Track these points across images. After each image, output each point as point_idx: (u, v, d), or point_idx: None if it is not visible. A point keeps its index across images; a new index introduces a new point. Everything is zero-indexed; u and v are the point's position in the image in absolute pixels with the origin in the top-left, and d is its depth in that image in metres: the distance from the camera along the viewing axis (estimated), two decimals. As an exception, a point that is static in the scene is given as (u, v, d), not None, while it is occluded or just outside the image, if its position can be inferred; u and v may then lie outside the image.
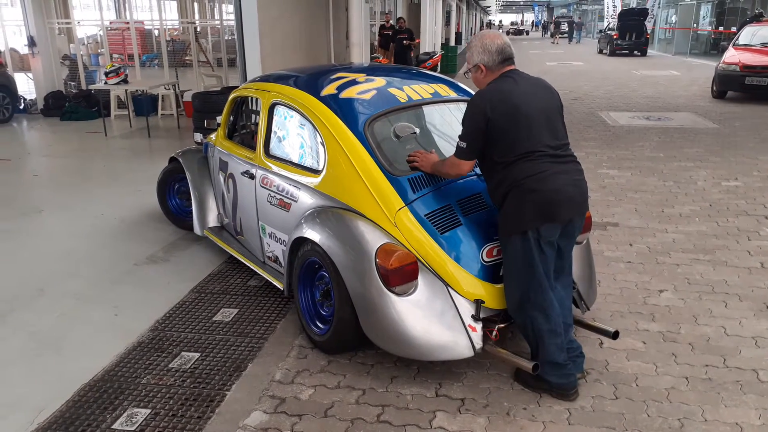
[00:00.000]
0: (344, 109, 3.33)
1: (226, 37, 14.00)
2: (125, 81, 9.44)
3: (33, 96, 11.45)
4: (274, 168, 3.67)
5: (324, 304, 3.30)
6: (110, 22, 18.28)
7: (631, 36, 26.76)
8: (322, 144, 3.30)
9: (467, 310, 2.86)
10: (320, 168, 3.32)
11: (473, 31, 50.02)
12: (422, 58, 17.65)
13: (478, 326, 2.83)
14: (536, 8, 78.96)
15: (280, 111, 3.73)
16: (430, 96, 3.53)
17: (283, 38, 7.87)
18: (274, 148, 3.76)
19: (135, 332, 3.44)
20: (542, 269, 2.71)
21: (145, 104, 10.18)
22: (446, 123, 3.53)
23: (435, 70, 18.67)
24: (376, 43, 15.47)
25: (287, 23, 8.07)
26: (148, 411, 2.75)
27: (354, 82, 3.54)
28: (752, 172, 6.81)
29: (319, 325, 3.28)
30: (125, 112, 10.44)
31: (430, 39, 22.01)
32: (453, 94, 3.65)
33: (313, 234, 3.12)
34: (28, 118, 10.82)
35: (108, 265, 4.43)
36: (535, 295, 2.72)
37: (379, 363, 3.11)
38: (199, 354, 3.21)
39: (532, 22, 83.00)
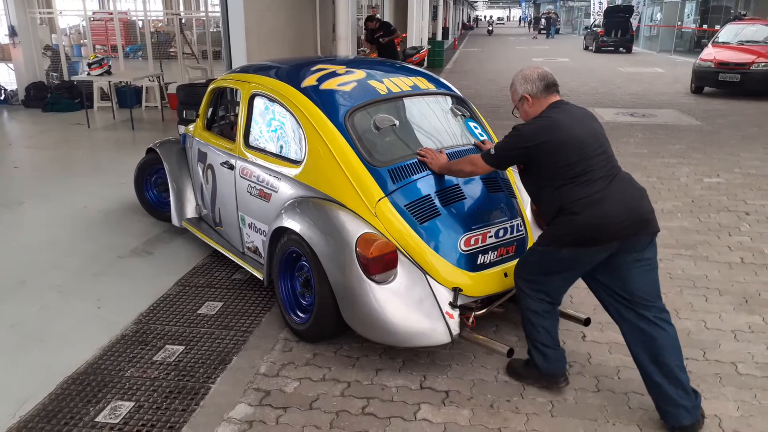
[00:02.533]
0: (325, 100, 3.35)
1: (211, 29, 13.89)
2: (108, 72, 9.33)
3: (14, 87, 11.28)
4: (254, 159, 3.67)
5: (304, 294, 3.32)
6: (93, 13, 18.06)
7: (616, 33, 26.95)
8: (303, 135, 3.32)
9: (445, 297, 2.91)
10: (301, 159, 3.35)
11: (460, 27, 50.15)
12: (409, 52, 17.63)
13: (456, 313, 2.89)
14: (523, 4, 79.17)
15: (260, 102, 3.73)
16: (410, 89, 3.57)
17: (269, 31, 7.82)
18: (254, 138, 3.75)
19: (118, 325, 3.42)
20: (558, 282, 2.72)
21: (129, 96, 10.07)
22: (425, 115, 3.58)
23: (422, 65, 18.69)
24: (362, 36, 15.41)
25: (273, 16, 8.02)
26: (132, 404, 2.73)
27: (334, 74, 3.56)
28: (734, 168, 6.91)
29: (299, 314, 3.31)
30: (108, 104, 10.33)
31: (417, 34, 21.99)
32: (432, 87, 3.71)
33: (293, 224, 3.15)
34: (9, 109, 10.66)
35: (91, 257, 4.39)
36: (539, 291, 2.72)
37: (364, 356, 3.12)
38: (183, 347, 3.20)
39: (519, 18, 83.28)
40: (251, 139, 3.76)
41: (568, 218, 2.54)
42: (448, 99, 3.76)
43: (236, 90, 4.04)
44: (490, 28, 49.65)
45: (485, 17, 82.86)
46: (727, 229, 4.98)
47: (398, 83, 3.57)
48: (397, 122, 3.39)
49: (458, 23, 48.48)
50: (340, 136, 3.18)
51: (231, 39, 7.06)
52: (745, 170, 6.83)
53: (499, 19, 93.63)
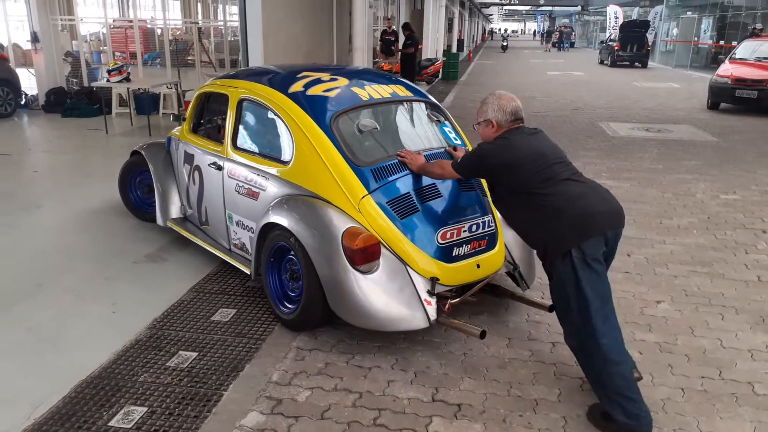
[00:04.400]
0: (311, 105, 3.58)
1: (229, 38, 14.03)
2: (127, 79, 9.45)
3: (35, 92, 11.45)
4: (243, 160, 3.86)
5: (291, 286, 3.53)
6: (113, 20, 18.32)
7: (632, 47, 26.88)
8: (291, 137, 3.54)
9: (423, 286, 3.17)
10: (288, 159, 3.55)
11: (475, 39, 50.22)
12: (424, 64, 17.71)
13: (433, 300, 3.15)
14: (538, 17, 79.26)
15: (248, 106, 3.94)
16: (390, 95, 3.84)
17: (286, 41, 7.89)
18: (242, 141, 3.95)
19: (133, 330, 3.44)
20: (590, 290, 2.61)
21: (146, 103, 10.18)
22: (404, 120, 3.95)
23: (437, 77, 18.76)
24: (377, 48, 15.51)
25: (291, 26, 8.10)
26: (145, 409, 2.75)
27: (319, 81, 3.79)
28: (750, 185, 6.85)
29: (287, 305, 3.52)
30: (126, 110, 10.45)
31: (432, 45, 22.09)
32: (409, 95, 4.00)
33: (282, 219, 3.36)
34: (30, 114, 10.82)
35: (106, 262, 4.43)
36: (592, 323, 2.61)
37: (376, 366, 3.11)
38: (196, 353, 3.21)
39: (534, 31, 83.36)
40: (239, 141, 3.95)
41: (559, 219, 2.65)
42: (425, 105, 4.03)
43: (224, 95, 4.17)
44: (504, 44, 41.58)
45: (500, 30, 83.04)
46: (744, 247, 4.93)
47: (379, 90, 3.82)
48: (378, 126, 3.63)
49: (473, 35, 48.58)
50: (326, 138, 3.40)
51: (249, 48, 7.13)
52: (762, 187, 6.76)
53: (513, 31, 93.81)
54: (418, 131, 3.90)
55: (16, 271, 4.28)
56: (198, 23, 15.23)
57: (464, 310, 3.67)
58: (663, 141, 9.56)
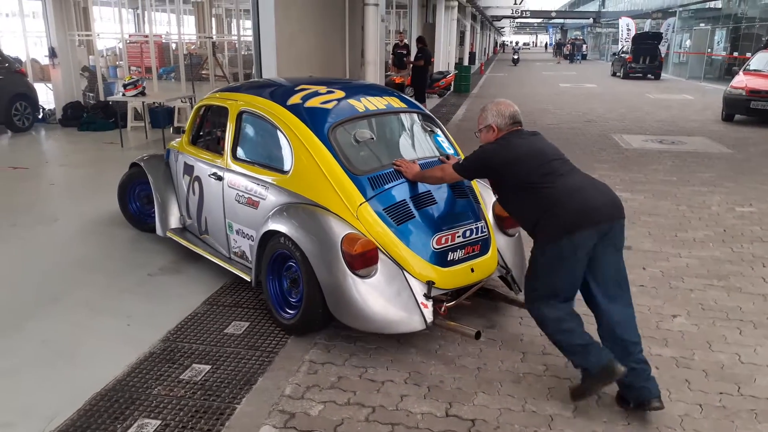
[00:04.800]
0: (310, 116, 3.70)
1: (243, 52, 14.18)
2: (143, 93, 9.56)
3: (52, 106, 11.62)
4: (242, 170, 3.97)
5: (292, 292, 3.63)
6: (129, 35, 18.58)
7: (645, 59, 26.80)
8: (290, 147, 3.65)
9: (420, 290, 3.29)
10: (288, 168, 3.67)
11: (487, 52, 50.33)
12: (435, 77, 17.77)
13: (429, 303, 3.26)
14: (550, 30, 79.38)
15: (248, 118, 4.06)
16: (384, 107, 3.97)
17: (299, 55, 7.96)
18: (242, 151, 4.06)
19: (147, 343, 3.46)
20: (568, 279, 2.84)
21: (161, 116, 10.30)
22: (399, 130, 4.15)
23: (448, 90, 18.80)
24: (389, 61, 15.60)
25: (304, 40, 8.17)
26: (159, 422, 2.75)
27: (317, 93, 3.91)
28: (767, 197, 6.77)
29: (288, 311, 3.61)
30: (141, 124, 10.57)
31: (444, 58, 22.18)
32: (404, 106, 4.14)
33: (282, 227, 3.46)
34: (47, 128, 10.98)
35: (121, 274, 4.46)
36: (552, 300, 2.87)
37: (389, 380, 3.10)
38: (210, 366, 3.22)
39: (546, 44, 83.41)
40: (239, 152, 4.06)
41: (555, 211, 2.80)
42: (419, 116, 4.19)
43: (224, 107, 4.27)
44: (516, 57, 40.55)
45: (511, 42, 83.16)
46: (761, 260, 4.87)
47: (374, 102, 3.95)
48: (374, 136, 3.81)
49: (485, 48, 48.69)
50: (324, 148, 3.52)
51: (262, 61, 7.20)
52: (779, 200, 6.69)
53: (525, 44, 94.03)
54: (412, 141, 4.09)
55: (33, 283, 4.33)
56: (212, 38, 15.40)
57: (480, 323, 3.66)
58: (677, 153, 9.50)
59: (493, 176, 3.10)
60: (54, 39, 11.05)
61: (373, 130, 3.86)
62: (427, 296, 3.27)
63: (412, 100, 4.41)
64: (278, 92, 4.10)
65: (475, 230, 3.57)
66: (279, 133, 3.75)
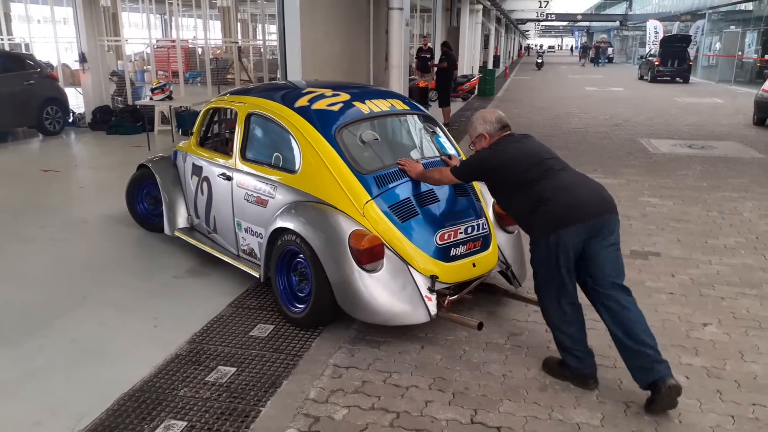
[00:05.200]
0: (317, 118, 3.83)
1: (267, 57, 14.31)
2: (170, 97, 9.70)
3: (82, 110, 11.85)
4: (251, 170, 4.09)
5: (300, 287, 3.75)
6: (157, 41, 18.88)
7: (673, 62, 26.39)
8: (298, 148, 3.78)
9: (424, 284, 3.42)
10: (296, 168, 3.79)
11: (511, 55, 50.07)
12: (459, 80, 17.70)
13: (433, 297, 3.40)
14: (576, 33, 78.68)
15: (256, 120, 4.19)
16: (388, 109, 4.11)
17: (324, 59, 8.00)
18: (251, 152, 4.19)
19: (173, 344, 3.49)
20: (564, 272, 2.96)
21: (188, 120, 10.42)
22: (402, 131, 4.29)
23: (472, 93, 18.73)
24: (413, 65, 15.59)
25: (329, 45, 8.20)
26: (185, 423, 2.77)
27: (323, 96, 4.04)
28: (801, 204, 6.60)
29: (297, 305, 3.73)
30: (168, 128, 10.72)
31: (468, 62, 22.11)
32: (406, 108, 4.29)
33: (291, 224, 3.59)
34: (77, 131, 11.20)
35: (149, 276, 4.52)
36: (554, 293, 3.03)
37: (413, 386, 3.08)
38: (235, 368, 3.24)
39: (572, 47, 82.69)
40: (248, 152, 4.18)
41: (545, 208, 2.95)
42: (421, 118, 4.33)
43: (232, 110, 4.41)
44: (539, 61, 39.06)
45: (535, 46, 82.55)
46: (796, 268, 4.74)
47: (378, 104, 4.08)
48: (379, 137, 3.94)
49: (509, 51, 48.42)
50: (331, 148, 3.65)
51: (288, 66, 7.24)
52: (813, 206, 6.51)
53: (550, 47, 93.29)
54: (415, 141, 4.23)
55: (62, 283, 4.41)
56: (238, 43, 15.57)
57: (510, 330, 3.62)
58: (707, 158, 9.32)
59: (489, 179, 3.30)
60: (84, 44, 11.28)
61: (379, 131, 4.01)
62: (431, 290, 3.41)
63: (414, 102, 4.54)
64: (286, 95, 4.24)
65: (476, 227, 3.70)
66: (287, 134, 3.87)
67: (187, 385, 3.09)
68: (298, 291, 3.78)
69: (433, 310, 3.38)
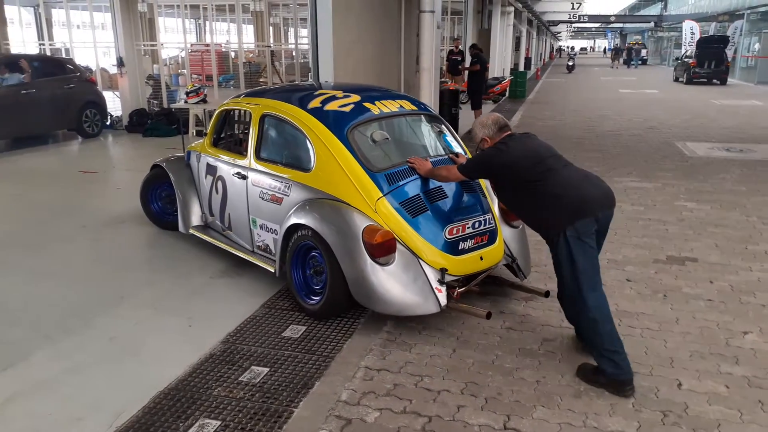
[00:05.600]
0: (330, 118, 3.98)
1: (300, 60, 14.43)
2: (204, 101, 9.87)
3: (119, 113, 12.13)
4: (266, 169, 4.23)
5: (314, 280, 3.91)
6: (191, 45, 19.20)
7: (710, 64, 25.75)
8: (312, 147, 3.92)
9: (434, 276, 3.56)
10: (310, 167, 3.92)
11: (543, 57, 49.56)
12: (490, 83, 17.58)
13: (443, 288, 3.54)
14: (609, 34, 77.49)
15: (270, 121, 4.35)
16: (397, 110, 4.26)
17: (355, 63, 8.03)
18: (265, 152, 4.35)
19: (207, 344, 3.54)
20: (581, 260, 3.06)
21: (221, 123, 10.57)
22: (411, 131, 4.44)
23: (503, 96, 18.59)
24: (443, 68, 15.55)
25: (360, 48, 8.23)
26: (219, 423, 2.81)
27: (334, 98, 4.19)
28: None
29: (312, 297, 3.89)
30: (203, 130, 10.88)
31: (500, 64, 21.95)
32: (414, 109, 4.43)
33: (307, 220, 3.74)
34: (114, 134, 11.47)
35: (185, 277, 4.60)
36: (580, 286, 3.08)
37: (445, 390, 3.07)
38: (268, 369, 3.27)
39: (605, 48, 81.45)
40: (262, 152, 4.33)
41: (558, 203, 3.06)
42: (428, 118, 4.49)
43: (246, 111, 4.62)
44: (570, 63, 37.12)
45: (567, 47, 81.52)
46: (841, 276, 4.58)
47: (388, 105, 4.22)
48: (389, 136, 4.11)
49: (541, 53, 47.92)
50: (344, 147, 3.80)
51: (319, 70, 7.30)
52: None
53: (582, 49, 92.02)
54: (423, 140, 4.38)
55: (101, 282, 4.52)
56: (270, 46, 15.74)
57: (544, 335, 3.59)
58: (746, 161, 9.08)
59: (494, 177, 3.40)
60: (122, 49, 11.55)
61: (389, 131, 4.18)
62: (440, 282, 3.55)
63: (423, 102, 4.68)
64: (299, 97, 4.38)
65: (483, 222, 3.84)
66: (301, 134, 4.02)
67: (221, 384, 3.13)
68: (313, 284, 3.92)
69: (443, 301, 3.51)
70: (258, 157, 4.32)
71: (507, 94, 18.90)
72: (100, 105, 11.17)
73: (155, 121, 11.22)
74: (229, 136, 5.18)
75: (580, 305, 3.12)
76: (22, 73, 9.89)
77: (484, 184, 4.06)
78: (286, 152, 4.27)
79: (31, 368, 3.33)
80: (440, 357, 3.39)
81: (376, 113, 4.11)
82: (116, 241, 5.44)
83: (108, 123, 11.72)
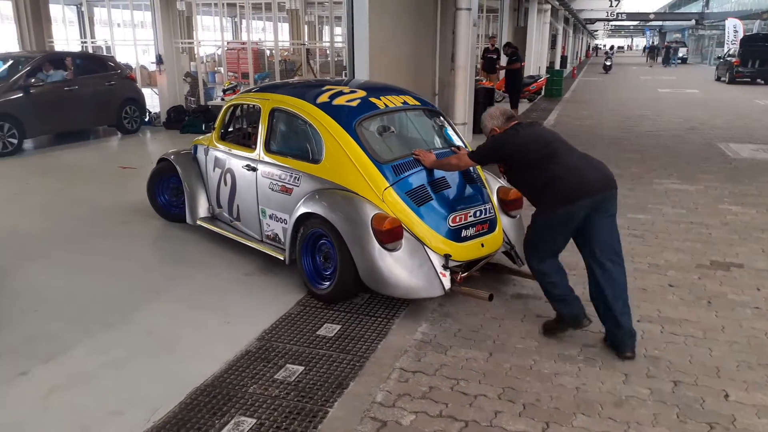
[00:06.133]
0: (338, 112, 4.15)
1: (335, 58, 14.47)
2: (240, 98, 9.94)
3: (157, 110, 12.34)
4: (276, 161, 4.40)
5: (325, 266, 4.09)
6: (227, 43, 19.44)
7: (754, 63, 24.93)
8: (321, 140, 4.10)
9: (438, 262, 3.77)
10: (319, 159, 4.10)
11: (579, 55, 48.75)
12: (526, 81, 17.33)
13: (447, 273, 3.75)
14: (648, 33, 75.83)
15: (280, 115, 4.53)
16: (401, 105, 4.44)
17: (390, 61, 7.99)
18: (275, 144, 4.52)
19: (243, 340, 3.56)
20: (560, 240, 3.43)
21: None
22: (415, 125, 4.66)
23: (539, 94, 18.34)
24: (478, 66, 15.40)
25: (396, 47, 8.20)
26: (254, 421, 2.81)
27: (341, 93, 4.35)
28: None
29: (322, 282, 4.08)
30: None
31: (535, 62, 21.67)
32: (418, 104, 4.61)
33: (318, 209, 3.92)
34: (152, 130, 11.67)
35: (220, 272, 4.64)
36: (547, 253, 3.47)
37: (482, 395, 3.01)
38: (303, 367, 3.26)
39: (644, 47, 79.71)
40: (272, 145, 4.50)
41: (559, 184, 3.29)
42: (431, 113, 4.70)
43: (255, 106, 4.76)
44: (608, 63, 34.84)
45: (604, 46, 79.96)
46: None
47: (393, 100, 4.39)
48: (394, 129, 4.39)
49: (577, 52, 47.15)
50: (352, 140, 3.98)
51: (355, 68, 7.29)
52: None
53: (619, 47, 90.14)
54: (426, 134, 4.60)
55: (140, 277, 4.59)
56: (306, 44, 15.82)
57: (584, 341, 3.51)
58: (794, 164, 8.76)
59: (503, 160, 3.60)
60: (161, 46, 11.74)
61: (394, 124, 4.45)
62: (445, 267, 3.75)
63: (424, 98, 4.84)
64: (307, 92, 4.54)
65: (484, 211, 4.07)
66: (311, 128, 4.20)
67: (256, 382, 3.13)
68: (322, 269, 4.10)
69: (447, 285, 3.72)
70: (267, 149, 4.47)
71: (543, 92, 18.63)
72: (139, 102, 11.38)
73: (192, 117, 11.37)
74: (237, 130, 5.32)
75: (529, 265, 3.57)
76: (65, 70, 10.14)
77: (484, 175, 4.35)
78: (296, 145, 4.44)
79: (72, 361, 3.39)
80: (476, 360, 3.33)
81: (381, 108, 4.29)
82: (155, 237, 5.53)
83: (146, 119, 11.93)
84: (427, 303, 4.00)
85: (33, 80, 9.44)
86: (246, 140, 5.03)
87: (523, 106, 15.94)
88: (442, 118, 4.69)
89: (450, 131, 4.60)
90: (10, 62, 9.97)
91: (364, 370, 3.24)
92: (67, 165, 8.84)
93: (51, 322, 3.86)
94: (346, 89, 4.44)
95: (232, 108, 5.13)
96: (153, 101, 13.21)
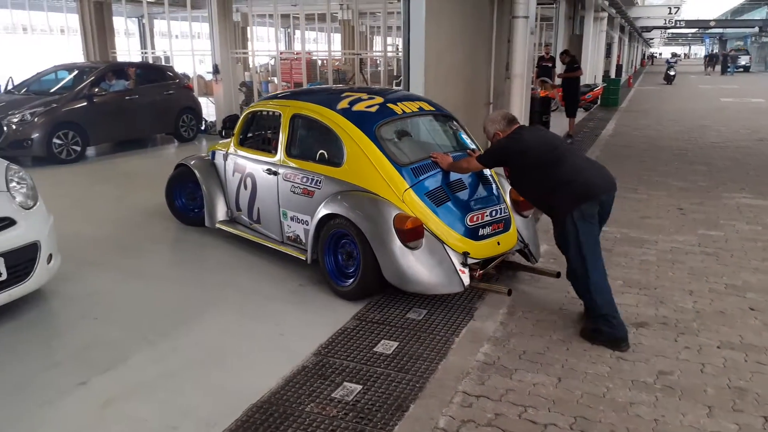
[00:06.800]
0: (358, 118, 4.33)
1: (386, 68, 14.44)
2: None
3: (213, 118, 12.55)
4: (297, 165, 4.56)
5: (347, 265, 4.24)
6: (281, 53, 19.71)
7: (825, 71, 23.66)
8: (342, 144, 4.26)
9: (457, 259, 3.95)
10: (341, 162, 4.26)
11: (634, 64, 47.47)
12: (582, 90, 16.87)
13: (466, 270, 3.93)
14: (707, 40, 73.29)
15: (301, 121, 4.69)
16: (417, 110, 4.65)
17: (446, 70, 7.86)
18: (296, 149, 4.68)
19: (299, 354, 3.46)
20: (585, 238, 3.50)
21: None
22: (431, 129, 4.90)
23: (595, 103, 17.83)
24: (533, 74, 15.07)
25: (451, 56, 8.06)
26: (312, 441, 2.70)
27: (360, 99, 4.54)
28: None
29: (344, 280, 4.23)
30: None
31: (591, 71, 21.14)
32: (433, 110, 4.80)
33: (341, 210, 4.09)
34: (208, 138, 11.85)
35: (275, 283, 4.57)
36: (585, 263, 3.53)
37: (552, 424, 2.82)
38: (361, 386, 3.14)
39: (704, 55, 77.09)
40: (293, 150, 4.66)
41: (567, 187, 3.49)
42: (445, 118, 4.87)
43: (275, 112, 4.92)
44: (672, 73, 30.90)
45: (660, 54, 77.52)
46: None
47: (409, 106, 4.59)
48: (412, 134, 4.65)
49: (632, 60, 45.89)
50: (373, 144, 4.16)
51: (410, 77, 7.18)
52: None
53: (675, 55, 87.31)
54: (442, 137, 4.81)
55: (194, 285, 4.58)
56: (359, 54, 15.86)
57: (659, 367, 3.27)
58: None
59: (509, 163, 3.78)
60: (218, 57, 11.95)
61: (412, 129, 4.69)
62: (464, 264, 3.92)
63: (438, 104, 4.93)
64: (327, 99, 4.75)
65: (499, 211, 4.24)
66: (332, 133, 4.35)
67: (313, 400, 3.03)
68: (344, 268, 4.24)
69: (467, 281, 3.90)
70: (289, 154, 4.63)
71: (599, 101, 18.12)
72: (195, 110, 11.59)
73: (246, 126, 11.49)
74: (256, 135, 5.44)
75: (582, 279, 3.55)
76: (127, 80, 10.42)
77: (497, 177, 4.47)
78: (317, 149, 4.55)
79: (130, 371, 3.36)
80: (544, 386, 3.14)
81: (399, 113, 4.48)
82: (210, 244, 5.51)
83: (203, 128, 12.13)
84: (489, 323, 3.83)
85: (96, 90, 9.73)
86: (266, 145, 5.16)
87: (580, 114, 15.52)
88: (455, 122, 4.83)
89: (464, 135, 4.75)
90: (75, 72, 10.33)
91: (424, 392, 3.10)
92: (127, 172, 9.04)
93: (109, 330, 3.86)
94: (364, 95, 4.62)
95: (251, 115, 5.27)
96: (209, 110, 13.45)
